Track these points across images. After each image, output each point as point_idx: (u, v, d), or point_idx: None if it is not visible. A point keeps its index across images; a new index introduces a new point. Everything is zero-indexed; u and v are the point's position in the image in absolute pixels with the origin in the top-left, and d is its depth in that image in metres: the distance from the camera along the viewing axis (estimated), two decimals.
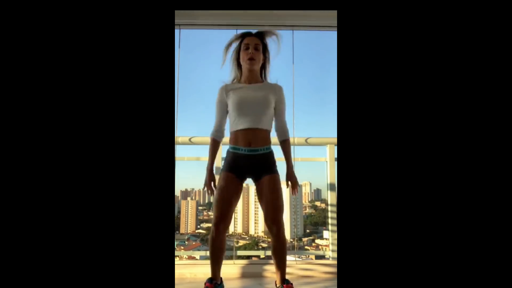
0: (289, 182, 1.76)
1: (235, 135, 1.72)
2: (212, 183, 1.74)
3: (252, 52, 1.70)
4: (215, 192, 1.71)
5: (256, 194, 1.77)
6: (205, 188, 1.75)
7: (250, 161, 1.69)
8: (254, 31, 1.77)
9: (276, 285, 1.71)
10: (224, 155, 1.80)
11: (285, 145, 1.79)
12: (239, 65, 1.78)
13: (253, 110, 1.69)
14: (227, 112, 1.77)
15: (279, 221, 1.64)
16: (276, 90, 1.76)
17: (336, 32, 1.26)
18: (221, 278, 1.74)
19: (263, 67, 1.80)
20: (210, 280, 1.68)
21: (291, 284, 1.67)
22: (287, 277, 1.70)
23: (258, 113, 1.69)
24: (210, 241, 1.67)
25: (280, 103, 1.76)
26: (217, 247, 1.67)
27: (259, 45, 1.72)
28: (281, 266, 1.68)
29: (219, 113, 1.78)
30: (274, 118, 1.78)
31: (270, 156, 1.73)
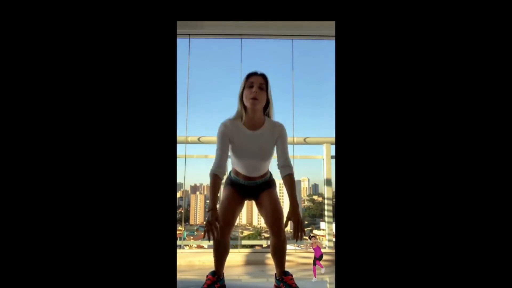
0: (291, 221, 1.47)
1: (236, 169, 1.69)
2: (217, 221, 1.42)
3: (256, 91, 1.54)
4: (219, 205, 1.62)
5: (257, 207, 1.73)
6: (207, 228, 1.39)
7: (250, 189, 1.68)
8: (259, 71, 1.61)
9: (276, 277, 1.67)
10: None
11: (288, 180, 1.56)
12: (244, 105, 1.60)
13: (253, 161, 1.62)
14: (228, 148, 1.60)
15: (280, 222, 1.57)
16: (277, 130, 1.61)
17: (334, 41, 1.25)
18: (223, 274, 1.69)
19: (267, 105, 1.63)
20: (213, 273, 1.64)
21: (291, 275, 1.63)
22: (287, 264, 1.66)
23: (258, 164, 1.63)
24: (215, 243, 1.60)
25: (282, 141, 1.61)
26: (221, 249, 1.62)
27: (263, 84, 1.57)
28: (281, 263, 1.63)
29: (220, 149, 1.57)
30: (276, 154, 1.62)
31: (267, 182, 1.70)
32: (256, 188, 1.68)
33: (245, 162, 1.63)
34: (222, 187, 1.70)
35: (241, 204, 1.71)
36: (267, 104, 1.63)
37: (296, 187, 1.58)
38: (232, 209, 1.63)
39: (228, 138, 1.58)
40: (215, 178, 1.52)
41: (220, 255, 1.62)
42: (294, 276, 1.64)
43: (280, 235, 1.57)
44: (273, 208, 1.60)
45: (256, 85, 1.56)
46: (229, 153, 1.63)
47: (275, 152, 1.63)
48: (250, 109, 1.57)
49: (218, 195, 1.60)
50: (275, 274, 1.67)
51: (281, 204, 1.67)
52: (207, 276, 1.63)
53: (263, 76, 1.60)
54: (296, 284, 1.59)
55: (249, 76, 1.61)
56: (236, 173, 1.69)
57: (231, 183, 1.70)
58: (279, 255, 1.62)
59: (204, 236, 1.40)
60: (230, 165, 1.76)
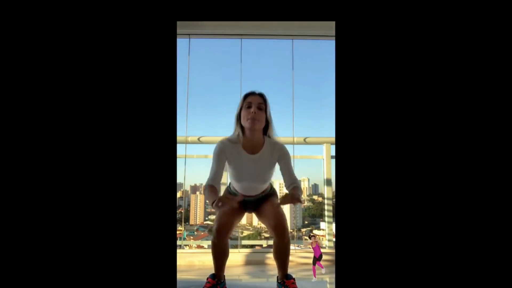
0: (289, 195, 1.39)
1: (234, 186, 1.61)
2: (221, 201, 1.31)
3: (254, 111, 1.45)
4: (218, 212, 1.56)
5: (257, 216, 1.66)
6: (214, 204, 1.30)
7: (249, 204, 1.62)
8: (257, 91, 1.54)
9: (278, 280, 1.58)
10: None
11: (295, 188, 1.50)
12: (241, 126, 1.52)
13: (252, 184, 1.55)
14: (224, 166, 1.52)
15: (284, 223, 1.46)
16: (277, 151, 1.53)
17: (334, 41, 1.25)
18: (224, 276, 1.60)
19: (266, 126, 1.55)
20: (213, 276, 1.55)
21: (293, 279, 1.53)
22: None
23: (258, 186, 1.56)
24: (212, 246, 1.50)
25: (285, 162, 1.53)
26: (220, 252, 1.52)
27: (262, 104, 1.49)
28: (284, 266, 1.54)
29: (216, 166, 1.50)
30: (282, 175, 1.55)
31: (266, 195, 1.62)
32: (256, 201, 1.62)
33: (244, 185, 1.57)
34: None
35: (241, 213, 1.63)
36: (267, 124, 1.54)
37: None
38: (231, 213, 1.53)
39: (225, 157, 1.51)
40: (210, 186, 1.45)
41: (219, 259, 1.54)
42: (294, 276, 1.64)
43: (284, 236, 1.47)
44: (275, 211, 1.51)
45: (255, 105, 1.47)
46: (227, 172, 1.57)
47: (277, 171, 1.57)
48: (248, 129, 1.49)
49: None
50: (277, 276, 1.59)
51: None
52: (207, 279, 1.56)
53: (262, 96, 1.52)
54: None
55: (247, 96, 1.53)
56: (235, 189, 1.63)
57: (233, 192, 1.65)
58: (283, 257, 1.53)
59: (218, 204, 1.27)
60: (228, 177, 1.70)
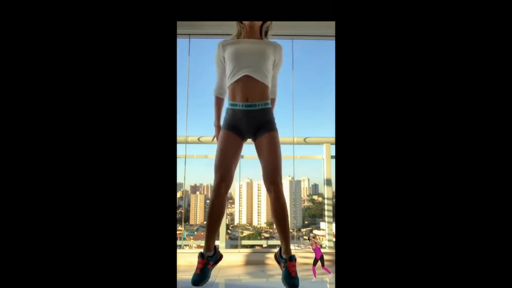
0: None
1: (233, 89, 1.52)
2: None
3: None
4: (215, 153, 1.52)
5: (256, 149, 1.57)
6: (214, 140, 1.65)
7: (248, 118, 1.50)
8: None
9: (280, 252, 1.50)
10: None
11: (271, 103, 1.59)
12: (241, 22, 1.61)
13: (250, 61, 1.51)
14: (224, 69, 1.59)
15: (277, 181, 1.43)
16: (276, 47, 1.60)
17: (334, 41, 1.25)
18: (215, 246, 1.51)
19: (266, 29, 1.64)
20: (201, 255, 1.46)
21: (295, 261, 1.46)
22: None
23: (256, 64, 1.51)
24: (210, 203, 1.45)
25: (278, 61, 1.61)
26: (216, 210, 1.45)
27: None
28: (285, 232, 1.46)
29: (218, 70, 1.62)
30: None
31: (267, 112, 1.54)
32: (255, 117, 1.51)
33: (242, 60, 1.51)
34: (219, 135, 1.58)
35: (239, 150, 1.55)
36: (266, 29, 1.63)
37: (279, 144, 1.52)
38: (229, 158, 1.48)
39: (221, 56, 1.58)
40: (217, 98, 1.65)
41: (216, 218, 1.46)
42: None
43: (278, 198, 1.43)
44: (271, 156, 1.46)
45: None
46: (227, 73, 1.55)
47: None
48: (248, 25, 1.58)
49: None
50: (280, 248, 1.51)
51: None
52: (198, 259, 1.47)
53: None
54: (296, 273, 1.44)
55: None
56: (233, 95, 1.53)
57: (227, 123, 1.54)
58: (280, 218, 1.45)
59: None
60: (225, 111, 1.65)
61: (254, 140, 1.56)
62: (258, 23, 1.61)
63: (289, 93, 2.93)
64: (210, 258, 1.47)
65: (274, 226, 1.51)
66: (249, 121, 1.51)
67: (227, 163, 1.48)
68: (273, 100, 1.67)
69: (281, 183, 1.45)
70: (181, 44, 2.91)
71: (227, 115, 1.57)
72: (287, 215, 1.46)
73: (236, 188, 4.35)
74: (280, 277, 1.49)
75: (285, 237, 1.46)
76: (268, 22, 1.64)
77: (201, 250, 1.49)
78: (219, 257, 1.54)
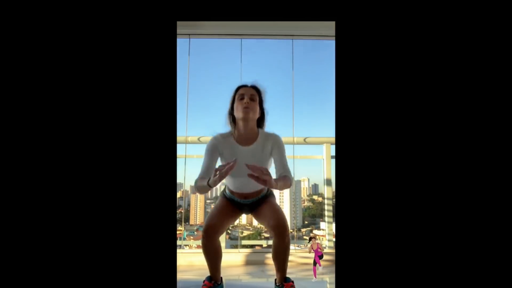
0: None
1: (230, 190, 1.57)
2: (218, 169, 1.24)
3: (247, 102, 1.44)
4: (210, 211, 1.53)
5: (255, 218, 1.61)
6: (213, 176, 1.24)
7: (246, 206, 1.58)
8: (249, 83, 1.52)
9: (275, 283, 1.53)
10: None
11: (283, 177, 1.41)
12: (234, 119, 1.51)
13: (247, 179, 1.32)
14: (216, 162, 1.50)
15: (284, 222, 1.41)
16: (271, 141, 1.49)
17: (334, 41, 1.25)
18: (221, 278, 1.57)
19: (261, 120, 1.54)
20: (209, 279, 1.52)
21: (292, 282, 1.49)
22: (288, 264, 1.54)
23: (251, 182, 1.39)
24: (202, 247, 1.45)
25: (278, 152, 1.48)
26: (211, 253, 1.47)
27: (255, 95, 1.47)
28: (283, 268, 1.48)
29: (207, 161, 1.47)
30: (275, 166, 1.50)
31: (266, 195, 1.57)
32: (253, 204, 1.57)
33: (239, 180, 1.51)
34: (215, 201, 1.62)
35: (235, 215, 1.58)
36: (260, 118, 1.53)
37: (290, 185, 1.40)
38: (223, 215, 1.50)
39: (218, 152, 1.49)
40: (201, 180, 1.40)
41: (211, 260, 1.49)
42: (294, 276, 1.63)
43: (284, 236, 1.40)
44: (274, 210, 1.47)
45: (247, 96, 1.46)
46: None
47: (273, 165, 1.53)
48: (242, 120, 1.46)
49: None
50: (275, 280, 1.54)
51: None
52: (203, 281, 1.53)
53: (254, 88, 1.51)
54: None
55: (239, 88, 1.51)
56: (231, 191, 1.58)
57: (228, 196, 1.59)
58: (282, 258, 1.46)
59: (216, 174, 1.21)
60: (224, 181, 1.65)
61: (253, 214, 1.60)
62: (253, 117, 1.48)
63: (289, 93, 2.93)
64: (216, 285, 1.54)
65: (272, 258, 1.50)
66: (247, 207, 1.58)
67: (220, 218, 1.49)
68: (285, 177, 1.42)
69: (288, 225, 1.42)
70: (181, 44, 2.91)
71: (224, 195, 1.62)
72: (289, 254, 1.47)
73: None
74: None
75: (282, 270, 1.48)
76: (265, 117, 1.54)
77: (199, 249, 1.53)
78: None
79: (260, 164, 1.39)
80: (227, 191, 1.62)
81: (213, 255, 1.48)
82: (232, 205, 1.58)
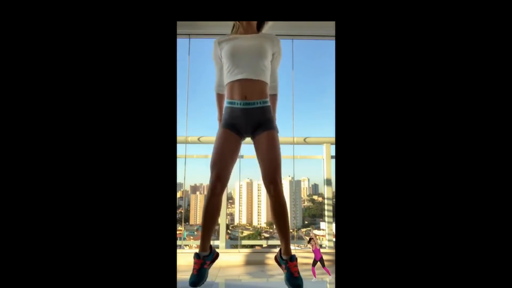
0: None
1: (231, 88, 1.49)
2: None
3: None
4: (212, 150, 1.48)
5: (254, 147, 1.54)
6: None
7: (247, 116, 1.47)
8: None
9: (280, 253, 1.47)
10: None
11: (272, 100, 1.58)
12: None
13: (247, 60, 1.47)
14: (222, 65, 1.56)
15: (277, 180, 1.39)
16: (274, 41, 1.55)
17: (334, 41, 1.25)
18: (210, 246, 1.49)
19: (260, 24, 1.63)
20: (197, 256, 1.44)
21: (296, 260, 1.44)
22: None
23: (253, 63, 1.47)
24: (205, 202, 1.41)
25: (277, 58, 1.57)
26: (211, 210, 1.41)
27: None
28: (284, 232, 1.43)
29: (217, 67, 1.61)
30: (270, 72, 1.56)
31: (266, 110, 1.50)
32: (254, 116, 1.47)
33: (239, 60, 1.47)
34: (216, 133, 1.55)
35: (237, 149, 1.51)
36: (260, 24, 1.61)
37: (278, 143, 1.47)
38: (226, 157, 1.44)
39: (219, 54, 1.57)
40: (218, 95, 1.65)
41: (211, 217, 1.43)
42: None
43: (278, 197, 1.39)
44: (270, 155, 1.42)
45: None
46: (225, 71, 1.53)
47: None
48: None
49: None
50: (280, 249, 1.49)
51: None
52: (194, 259, 1.44)
53: None
54: (298, 273, 1.43)
55: None
56: (231, 94, 1.49)
57: (226, 121, 1.51)
58: (280, 217, 1.42)
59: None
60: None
61: (253, 138, 1.52)
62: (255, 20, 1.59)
63: (289, 93, 2.93)
64: (206, 257, 1.45)
65: (274, 226, 1.46)
66: (248, 120, 1.48)
67: (224, 161, 1.44)
68: (274, 96, 1.61)
69: (280, 183, 1.41)
70: (181, 44, 2.91)
71: (225, 113, 1.53)
72: (287, 214, 1.43)
73: (236, 188, 4.35)
74: (280, 277, 1.49)
75: (285, 237, 1.44)
76: (262, 24, 1.64)
77: (197, 250, 1.47)
78: (215, 255, 1.52)
79: (258, 55, 1.48)
80: (227, 101, 1.54)
81: (213, 212, 1.43)
82: (232, 131, 1.49)
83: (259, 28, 1.64)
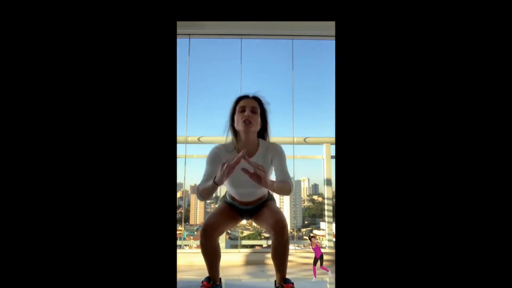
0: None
1: (232, 196, 1.55)
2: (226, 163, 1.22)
3: (248, 115, 1.40)
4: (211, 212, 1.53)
5: (256, 223, 1.59)
6: (223, 169, 1.21)
7: (247, 210, 1.56)
8: (251, 94, 1.47)
9: (275, 284, 1.49)
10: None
11: (282, 183, 1.38)
12: (235, 132, 1.48)
13: (248, 190, 1.47)
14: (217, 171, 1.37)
15: (283, 221, 1.40)
16: (272, 150, 1.47)
17: (334, 41, 1.25)
18: (220, 279, 1.54)
19: (263, 131, 1.51)
20: (208, 279, 1.50)
21: (292, 283, 1.46)
22: (288, 264, 1.50)
23: (254, 191, 1.48)
24: (200, 246, 1.43)
25: (279, 159, 1.45)
26: (209, 253, 1.44)
27: (256, 108, 1.43)
28: (282, 268, 1.45)
29: (211, 169, 1.43)
30: (275, 173, 1.47)
31: (266, 200, 1.56)
32: (253, 210, 1.56)
33: (240, 190, 1.51)
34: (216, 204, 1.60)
35: (235, 219, 1.57)
36: (263, 129, 1.50)
37: (285, 189, 1.37)
38: (222, 216, 1.50)
39: (220, 162, 1.38)
40: (204, 183, 1.38)
41: (210, 259, 1.46)
42: (294, 276, 1.62)
43: (283, 235, 1.37)
44: (273, 211, 1.46)
45: (248, 108, 1.42)
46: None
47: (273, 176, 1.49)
48: (242, 132, 1.43)
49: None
50: (275, 281, 1.50)
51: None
52: (202, 282, 1.50)
53: (256, 99, 1.47)
54: None
55: (240, 99, 1.47)
56: (232, 198, 1.56)
57: (227, 203, 1.58)
58: (281, 258, 1.43)
59: (223, 168, 1.19)
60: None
61: (254, 218, 1.57)
62: (254, 130, 1.45)
63: (289, 93, 2.93)
64: (215, 285, 1.51)
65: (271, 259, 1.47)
66: (248, 212, 1.56)
67: (219, 219, 1.47)
68: (285, 182, 1.39)
69: (287, 223, 1.41)
70: (181, 44, 2.91)
71: (225, 200, 1.59)
72: (288, 253, 1.43)
73: None
74: None
75: (282, 270, 1.45)
76: (267, 128, 1.53)
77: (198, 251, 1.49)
78: None
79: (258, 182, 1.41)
80: (227, 197, 1.60)
81: (211, 255, 1.46)
82: (233, 210, 1.57)
83: (259, 136, 1.51)
